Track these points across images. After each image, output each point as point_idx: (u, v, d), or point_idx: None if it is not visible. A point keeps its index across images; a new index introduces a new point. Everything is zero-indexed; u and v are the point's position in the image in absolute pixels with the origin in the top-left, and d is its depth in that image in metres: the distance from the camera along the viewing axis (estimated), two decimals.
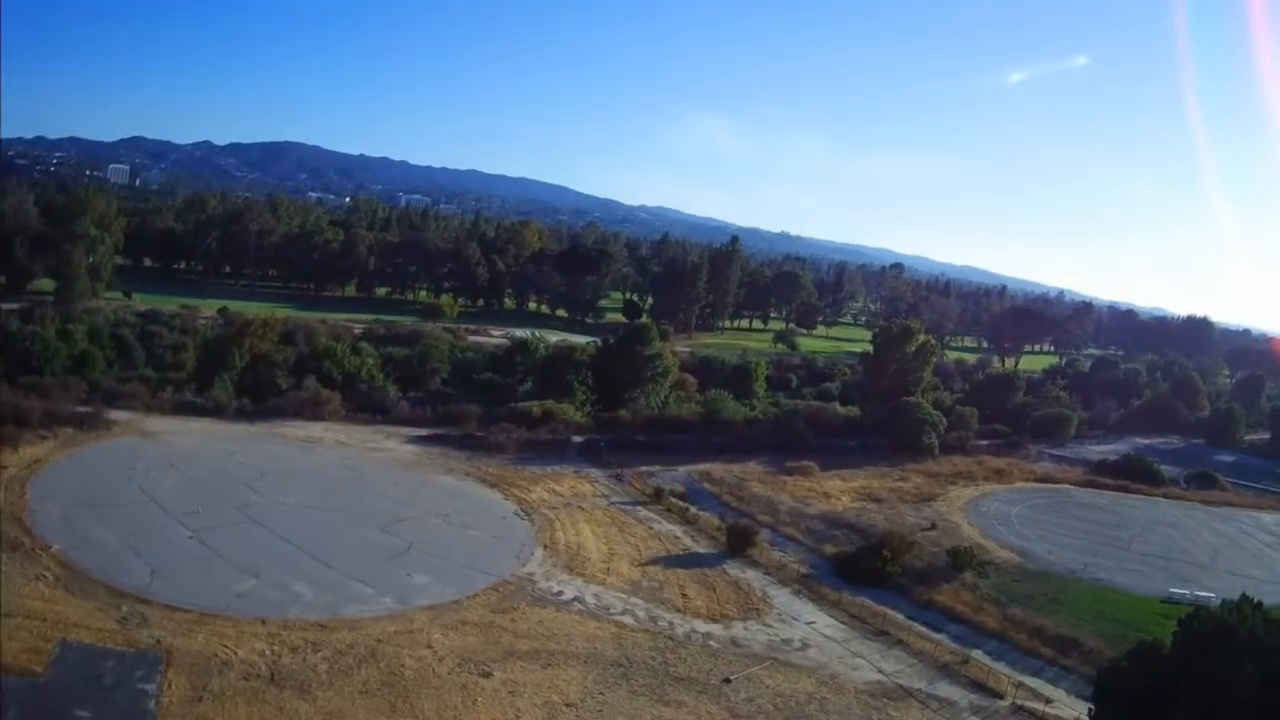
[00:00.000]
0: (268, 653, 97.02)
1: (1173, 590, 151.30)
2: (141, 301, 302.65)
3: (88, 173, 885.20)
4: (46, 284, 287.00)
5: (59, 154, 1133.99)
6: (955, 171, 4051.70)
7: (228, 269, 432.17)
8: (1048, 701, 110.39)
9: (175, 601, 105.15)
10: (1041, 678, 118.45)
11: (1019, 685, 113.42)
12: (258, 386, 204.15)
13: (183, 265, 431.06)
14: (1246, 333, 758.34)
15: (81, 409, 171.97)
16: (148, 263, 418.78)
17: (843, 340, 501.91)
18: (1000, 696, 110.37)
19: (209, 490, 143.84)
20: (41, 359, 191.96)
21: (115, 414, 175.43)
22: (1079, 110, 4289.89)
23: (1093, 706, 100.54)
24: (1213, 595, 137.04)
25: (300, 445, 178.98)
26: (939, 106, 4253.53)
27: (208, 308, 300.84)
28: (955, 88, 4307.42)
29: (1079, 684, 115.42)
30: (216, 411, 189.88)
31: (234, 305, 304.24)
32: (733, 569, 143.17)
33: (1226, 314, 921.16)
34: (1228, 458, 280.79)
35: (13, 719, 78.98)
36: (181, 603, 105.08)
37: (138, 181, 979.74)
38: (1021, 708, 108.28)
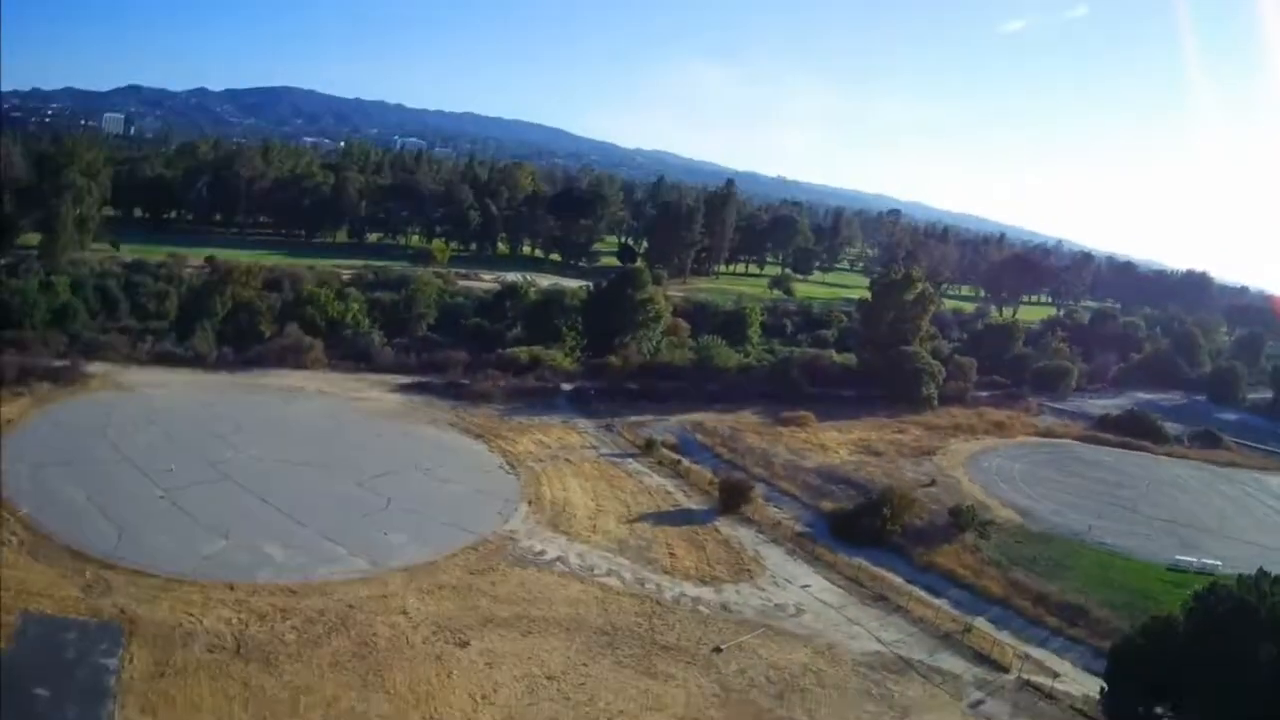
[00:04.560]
0: (234, 621, 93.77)
1: (1179, 557, 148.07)
2: (129, 252, 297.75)
3: (82, 122, 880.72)
4: (34, 238, 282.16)
5: (55, 105, 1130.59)
6: (953, 118, 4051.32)
7: (218, 217, 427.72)
8: (1055, 675, 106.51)
9: (141, 566, 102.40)
10: (1047, 648, 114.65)
11: (1024, 657, 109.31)
12: (240, 335, 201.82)
13: (173, 214, 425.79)
14: (1244, 290, 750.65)
15: (59, 363, 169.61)
16: (138, 213, 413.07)
17: (840, 286, 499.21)
18: (1005, 670, 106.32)
19: (184, 445, 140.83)
20: (22, 313, 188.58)
21: (94, 367, 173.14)
22: (1077, 60, 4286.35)
23: (1104, 685, 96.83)
24: (1220, 563, 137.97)
25: (281, 395, 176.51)
26: (937, 54, 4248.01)
27: (196, 256, 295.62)
28: (954, 34, 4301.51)
29: (1086, 655, 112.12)
30: (197, 361, 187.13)
31: (223, 253, 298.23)
32: (724, 526, 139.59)
33: (1224, 270, 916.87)
34: (1230, 416, 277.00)
35: None
36: (147, 567, 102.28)
37: (133, 130, 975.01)
38: (1028, 682, 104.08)
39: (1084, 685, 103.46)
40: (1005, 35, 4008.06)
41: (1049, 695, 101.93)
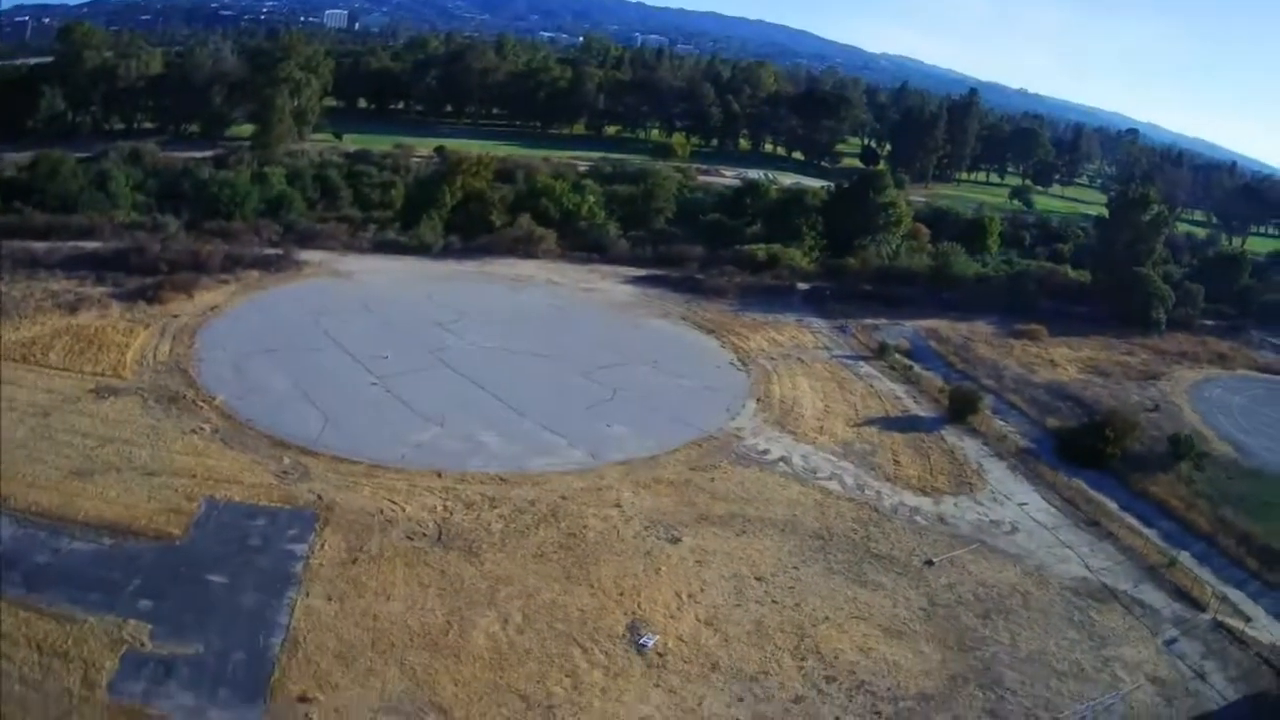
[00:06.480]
0: (439, 509, 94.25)
1: None
2: (353, 142, 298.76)
3: (301, 19, 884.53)
4: (248, 129, 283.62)
5: (270, 3, 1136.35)
6: (1188, 41, 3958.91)
7: (449, 108, 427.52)
8: (1248, 620, 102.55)
9: (345, 453, 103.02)
10: (1244, 591, 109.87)
11: (1221, 597, 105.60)
12: (469, 225, 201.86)
13: (401, 105, 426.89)
14: None
15: (270, 251, 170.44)
16: (362, 104, 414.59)
17: (1077, 201, 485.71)
18: (1202, 609, 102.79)
19: (401, 332, 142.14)
20: (231, 204, 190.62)
21: (308, 255, 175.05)
22: None
23: None
24: None
25: (508, 285, 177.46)
26: None
27: (424, 147, 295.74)
28: None
29: (1278, 603, 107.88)
30: (421, 250, 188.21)
31: (453, 144, 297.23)
32: (950, 436, 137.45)
33: None
34: None
35: (135, 589, 76.26)
36: (352, 454, 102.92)
37: (356, 26, 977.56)
38: (1221, 624, 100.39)
39: (1274, 634, 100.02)
40: None
41: (1239, 639, 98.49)
